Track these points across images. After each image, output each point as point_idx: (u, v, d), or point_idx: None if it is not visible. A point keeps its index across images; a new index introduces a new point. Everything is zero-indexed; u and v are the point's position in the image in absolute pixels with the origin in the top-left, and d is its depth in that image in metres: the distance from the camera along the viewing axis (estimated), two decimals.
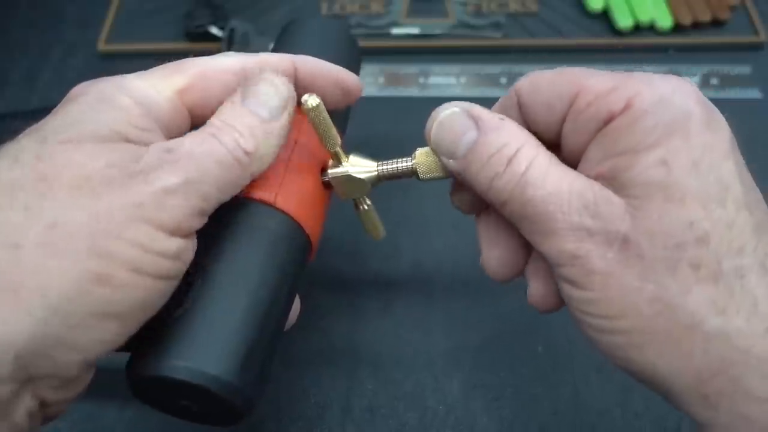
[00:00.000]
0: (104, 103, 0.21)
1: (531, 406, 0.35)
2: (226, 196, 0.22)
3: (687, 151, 0.20)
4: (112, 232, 0.19)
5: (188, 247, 0.21)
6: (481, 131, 0.23)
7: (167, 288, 0.21)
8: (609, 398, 0.35)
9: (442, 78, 0.49)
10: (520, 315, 0.38)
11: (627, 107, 0.21)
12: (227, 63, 0.24)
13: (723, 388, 0.19)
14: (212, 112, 0.24)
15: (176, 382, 0.21)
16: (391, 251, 0.40)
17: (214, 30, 0.50)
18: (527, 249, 0.25)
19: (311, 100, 0.24)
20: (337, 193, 0.28)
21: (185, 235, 0.21)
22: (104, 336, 0.19)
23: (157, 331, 0.22)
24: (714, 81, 0.49)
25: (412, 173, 0.26)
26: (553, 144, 0.24)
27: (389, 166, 0.27)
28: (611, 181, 0.21)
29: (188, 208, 0.21)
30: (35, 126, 0.21)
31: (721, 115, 0.21)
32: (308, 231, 0.26)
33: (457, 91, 0.48)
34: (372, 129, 0.45)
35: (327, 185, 0.28)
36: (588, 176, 0.22)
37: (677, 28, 0.50)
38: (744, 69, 0.49)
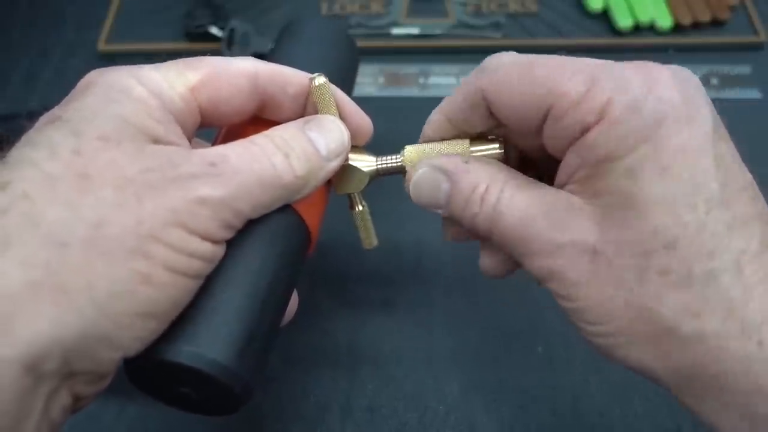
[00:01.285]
0: (121, 93, 0.21)
1: (531, 406, 0.35)
2: (256, 215, 0.23)
3: (655, 158, 0.20)
4: (152, 234, 0.19)
5: (217, 251, 0.22)
6: (452, 181, 0.24)
7: (197, 286, 0.21)
8: (608, 398, 0.35)
9: (442, 78, 0.49)
10: (520, 315, 0.38)
11: (600, 118, 0.20)
12: (241, 66, 0.24)
13: (704, 384, 0.20)
14: (221, 114, 0.24)
15: (177, 366, 0.21)
16: (391, 251, 0.40)
17: (214, 30, 0.50)
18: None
19: (319, 79, 0.25)
20: (334, 185, 0.28)
21: (215, 242, 0.21)
22: (143, 333, 0.20)
23: None
24: (714, 81, 0.49)
25: (402, 170, 0.27)
26: (534, 138, 0.24)
27: (386, 162, 0.27)
28: (585, 188, 0.21)
29: (218, 221, 0.21)
30: (54, 113, 0.21)
31: (703, 103, 0.21)
32: (308, 223, 0.26)
33: None
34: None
35: None
36: (564, 183, 0.22)
37: (677, 28, 0.51)
38: (744, 69, 0.49)
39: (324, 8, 0.53)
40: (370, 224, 0.29)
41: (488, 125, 0.25)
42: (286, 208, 0.25)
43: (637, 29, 0.51)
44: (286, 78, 0.25)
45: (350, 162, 0.27)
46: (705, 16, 0.50)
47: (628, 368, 0.22)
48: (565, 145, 0.22)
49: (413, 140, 0.27)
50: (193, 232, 0.20)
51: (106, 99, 0.21)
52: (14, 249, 0.18)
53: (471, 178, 0.24)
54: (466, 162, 0.24)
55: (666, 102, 0.20)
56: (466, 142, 0.25)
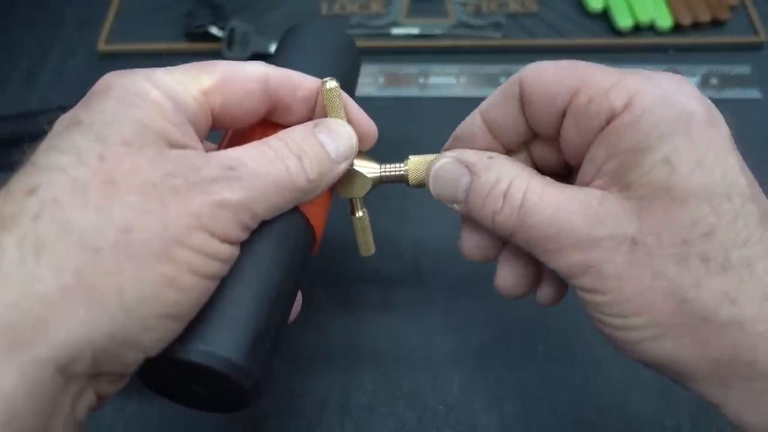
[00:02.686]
0: (138, 96, 0.21)
1: (531, 405, 0.35)
2: (269, 217, 0.23)
3: (690, 150, 0.20)
4: (177, 238, 0.20)
5: (234, 252, 0.22)
6: (473, 174, 0.24)
7: (215, 287, 0.22)
8: (608, 398, 0.35)
9: (441, 78, 0.49)
10: (520, 315, 0.38)
11: (628, 106, 0.21)
12: (253, 70, 0.25)
13: (737, 370, 0.20)
14: (232, 116, 0.25)
15: (189, 364, 0.21)
16: (390, 250, 0.40)
17: (214, 30, 0.50)
18: (501, 241, 0.26)
19: (330, 83, 0.25)
20: (338, 189, 0.28)
21: (232, 244, 0.22)
22: (165, 335, 0.20)
23: None
24: (714, 81, 0.49)
25: (405, 179, 0.27)
26: (552, 139, 0.24)
27: (389, 169, 0.27)
28: (616, 180, 0.21)
29: (237, 223, 0.22)
30: (75, 116, 0.21)
31: (719, 112, 0.22)
32: (313, 224, 0.27)
33: (457, 91, 0.48)
34: None
35: None
36: (592, 176, 0.22)
37: (677, 28, 0.51)
38: (744, 69, 0.49)
39: (324, 8, 0.53)
40: (368, 231, 0.30)
41: (516, 123, 0.24)
42: (294, 210, 0.25)
43: (637, 29, 0.51)
44: (296, 82, 0.26)
45: (355, 167, 0.27)
46: (705, 16, 0.50)
47: (647, 362, 0.22)
48: (588, 135, 0.22)
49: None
50: (214, 234, 0.21)
51: (125, 103, 0.21)
52: (48, 254, 0.18)
53: (493, 173, 0.23)
54: (490, 157, 0.24)
55: (693, 100, 0.21)
56: None
